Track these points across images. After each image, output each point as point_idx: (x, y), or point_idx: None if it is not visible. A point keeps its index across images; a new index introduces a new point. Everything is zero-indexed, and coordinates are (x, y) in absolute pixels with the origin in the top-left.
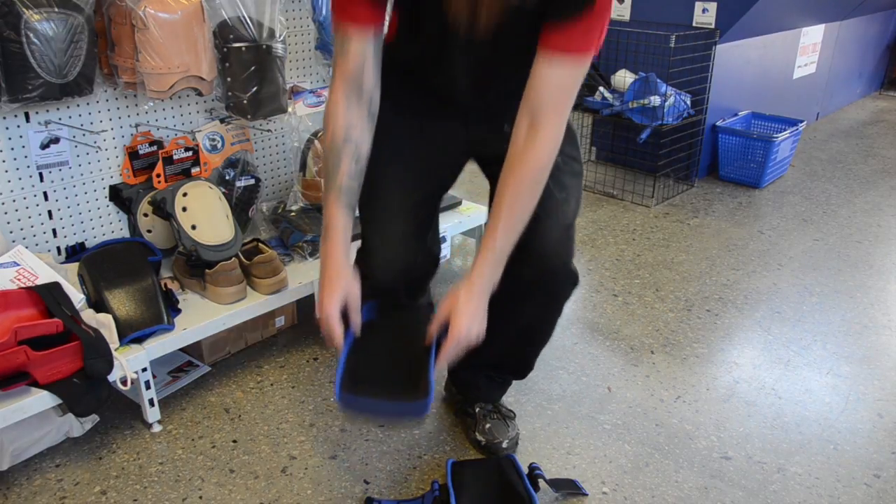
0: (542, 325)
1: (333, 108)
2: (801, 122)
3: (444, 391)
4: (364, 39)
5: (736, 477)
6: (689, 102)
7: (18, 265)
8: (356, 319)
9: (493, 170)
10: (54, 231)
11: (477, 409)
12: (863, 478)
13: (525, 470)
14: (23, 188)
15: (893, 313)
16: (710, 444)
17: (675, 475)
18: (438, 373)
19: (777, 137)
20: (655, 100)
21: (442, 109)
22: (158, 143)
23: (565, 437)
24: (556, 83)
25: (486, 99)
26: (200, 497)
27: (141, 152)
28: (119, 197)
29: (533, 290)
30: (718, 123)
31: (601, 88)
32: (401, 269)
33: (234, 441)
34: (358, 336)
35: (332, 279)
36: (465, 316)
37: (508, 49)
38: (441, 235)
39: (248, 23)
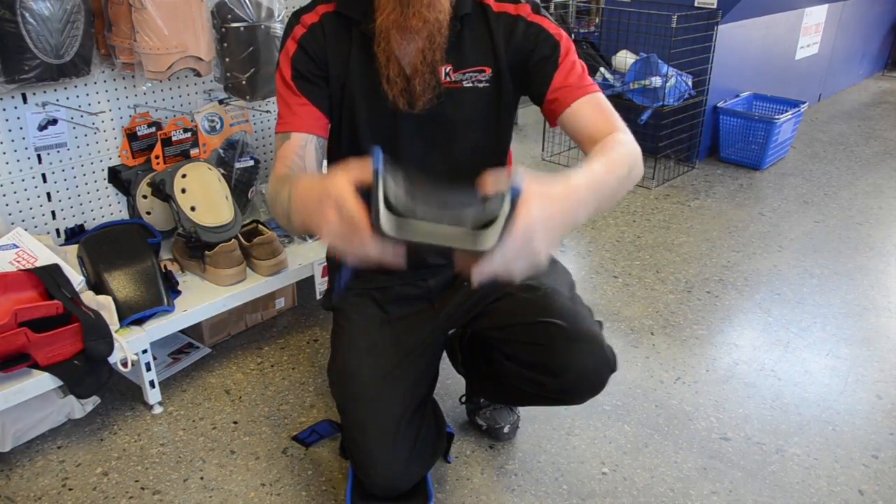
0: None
1: (278, 169)
2: (803, 103)
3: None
4: (305, 133)
5: (735, 457)
6: (690, 83)
7: (18, 247)
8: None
9: (475, 325)
10: (53, 213)
11: (482, 399)
12: (861, 458)
13: None
14: (21, 170)
15: (893, 295)
16: (709, 425)
17: (675, 456)
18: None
19: (778, 119)
20: (656, 81)
21: (408, 292)
22: (157, 125)
23: (565, 418)
24: (590, 112)
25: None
26: (202, 478)
27: (139, 133)
28: (118, 179)
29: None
30: (720, 105)
31: (602, 69)
32: (404, 483)
33: (235, 422)
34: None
35: (330, 174)
36: (533, 210)
37: (461, 144)
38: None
39: (246, 2)
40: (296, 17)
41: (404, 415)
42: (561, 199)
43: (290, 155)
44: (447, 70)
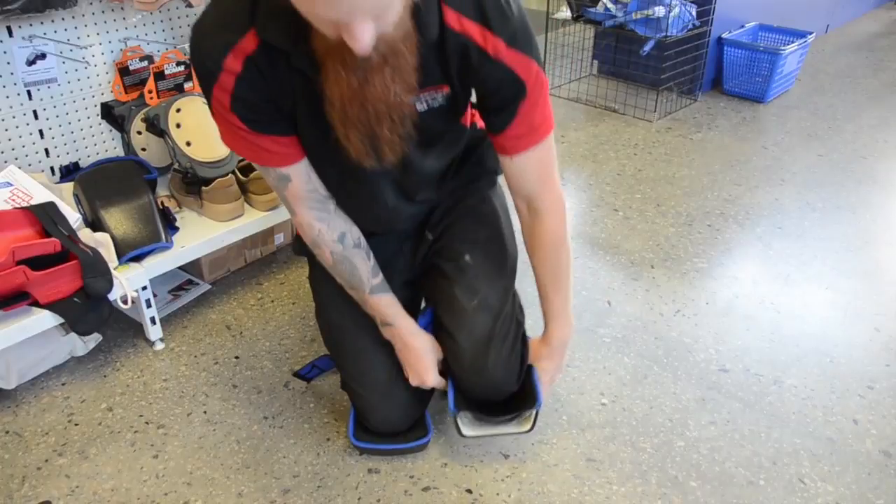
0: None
1: (311, 228)
2: (810, 34)
3: None
4: (297, 163)
5: (733, 389)
6: (694, 13)
7: (12, 185)
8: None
9: (423, 282)
10: (46, 151)
11: None
12: (857, 389)
13: None
14: (11, 106)
15: (895, 229)
16: (708, 357)
17: (674, 387)
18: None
19: (784, 50)
20: (660, 10)
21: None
22: (149, 58)
23: None
24: (532, 168)
25: (412, 206)
26: (205, 412)
27: (131, 68)
28: (111, 115)
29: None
30: (724, 35)
31: None
32: (402, 424)
33: (237, 357)
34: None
35: (422, 355)
36: (547, 372)
37: (425, 161)
38: None
39: None
40: (213, 61)
41: (396, 364)
42: (559, 359)
43: (303, 196)
44: None
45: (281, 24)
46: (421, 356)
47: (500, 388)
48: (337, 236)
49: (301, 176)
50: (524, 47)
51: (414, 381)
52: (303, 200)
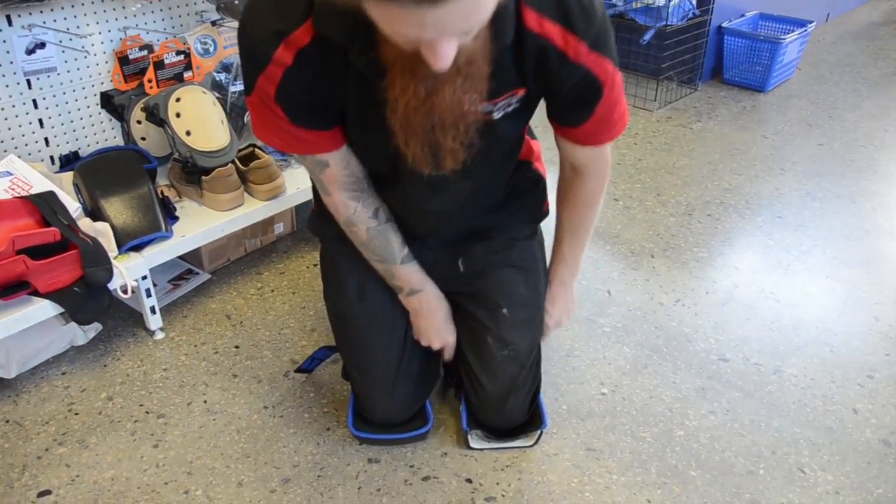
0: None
1: (347, 207)
2: (811, 23)
3: None
4: (337, 150)
5: (733, 378)
6: (694, 2)
7: (11, 174)
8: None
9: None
10: (46, 140)
11: None
12: (856, 378)
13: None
14: (10, 96)
15: (895, 218)
16: (708, 347)
17: (673, 376)
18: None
19: (784, 39)
20: None
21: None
22: (149, 47)
23: (565, 339)
24: (589, 156)
25: (448, 227)
26: (205, 401)
27: (131, 57)
28: (111, 104)
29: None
30: (724, 24)
31: None
32: (403, 417)
33: (237, 347)
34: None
35: (445, 319)
36: (550, 316)
37: (476, 178)
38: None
39: None
40: (262, 51)
41: (402, 359)
42: (561, 301)
43: (340, 180)
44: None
45: (342, 20)
46: (445, 321)
47: (513, 423)
48: (372, 212)
49: (340, 162)
50: (604, 48)
51: (436, 344)
52: (339, 183)
